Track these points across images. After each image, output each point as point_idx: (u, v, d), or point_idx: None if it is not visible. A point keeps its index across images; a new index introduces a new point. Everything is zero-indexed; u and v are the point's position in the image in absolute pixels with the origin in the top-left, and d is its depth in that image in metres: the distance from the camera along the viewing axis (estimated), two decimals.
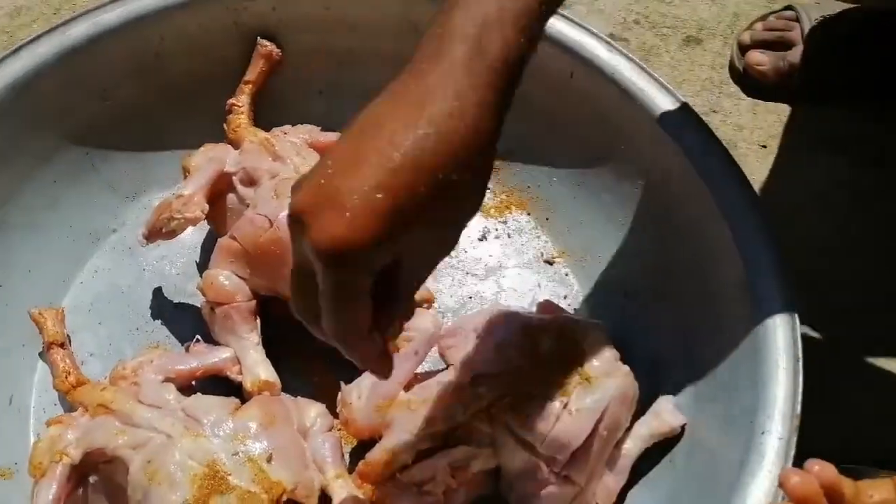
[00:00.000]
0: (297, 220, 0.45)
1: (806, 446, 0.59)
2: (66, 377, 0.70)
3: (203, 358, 0.70)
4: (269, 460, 0.61)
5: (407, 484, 0.64)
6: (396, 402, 0.66)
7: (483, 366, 0.65)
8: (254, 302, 0.73)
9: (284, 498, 0.60)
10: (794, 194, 0.94)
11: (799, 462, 0.58)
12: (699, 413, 0.69)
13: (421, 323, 0.70)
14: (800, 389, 0.62)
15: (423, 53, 0.47)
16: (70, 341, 0.75)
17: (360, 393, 0.67)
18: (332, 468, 0.64)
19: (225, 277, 0.72)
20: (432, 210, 0.45)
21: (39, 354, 0.76)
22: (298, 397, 0.70)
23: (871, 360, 0.85)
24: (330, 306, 0.46)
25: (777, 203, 0.93)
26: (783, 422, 0.61)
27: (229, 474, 0.59)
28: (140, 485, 0.60)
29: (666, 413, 0.69)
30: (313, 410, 0.68)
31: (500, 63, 0.46)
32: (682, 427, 0.68)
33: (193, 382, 0.71)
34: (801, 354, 0.63)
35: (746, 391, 0.64)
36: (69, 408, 0.71)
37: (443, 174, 0.44)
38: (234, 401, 0.66)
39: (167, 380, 0.68)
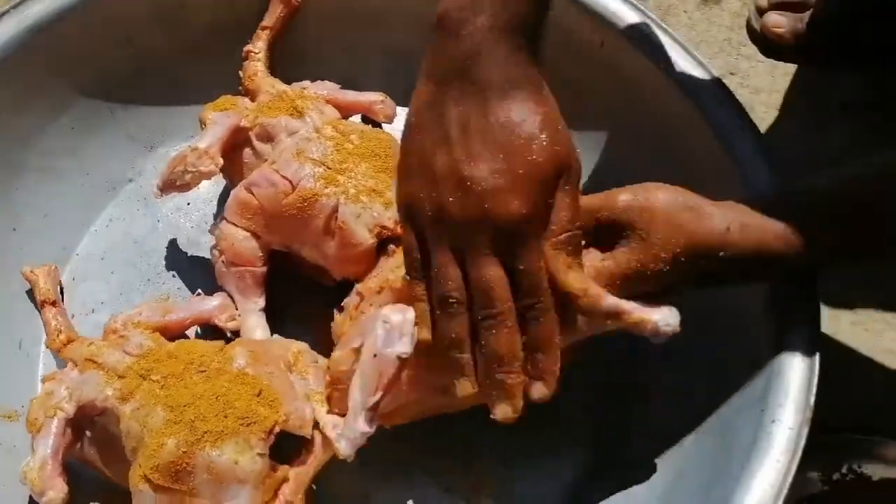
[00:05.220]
0: None
1: (818, 416, 0.58)
2: (58, 335, 0.71)
3: (192, 307, 0.71)
4: (258, 394, 0.60)
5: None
6: None
7: None
8: (266, 268, 0.73)
9: (277, 429, 0.60)
10: (809, 159, 0.93)
11: (807, 456, 0.58)
12: (709, 397, 0.67)
13: None
14: (815, 380, 0.60)
15: None
16: (63, 297, 0.76)
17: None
18: (317, 395, 0.64)
19: (244, 238, 0.72)
20: None
21: (32, 300, 0.76)
22: (280, 337, 0.70)
23: (885, 330, 0.84)
24: None
25: (793, 168, 0.91)
26: (795, 412, 0.59)
27: (219, 412, 0.59)
28: (133, 432, 0.61)
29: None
30: (295, 346, 0.67)
31: None
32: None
33: (190, 334, 0.72)
34: (819, 343, 0.61)
35: (760, 377, 0.62)
36: None
37: None
38: (219, 343, 0.66)
39: (158, 330, 0.68)
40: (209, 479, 0.58)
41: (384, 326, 0.57)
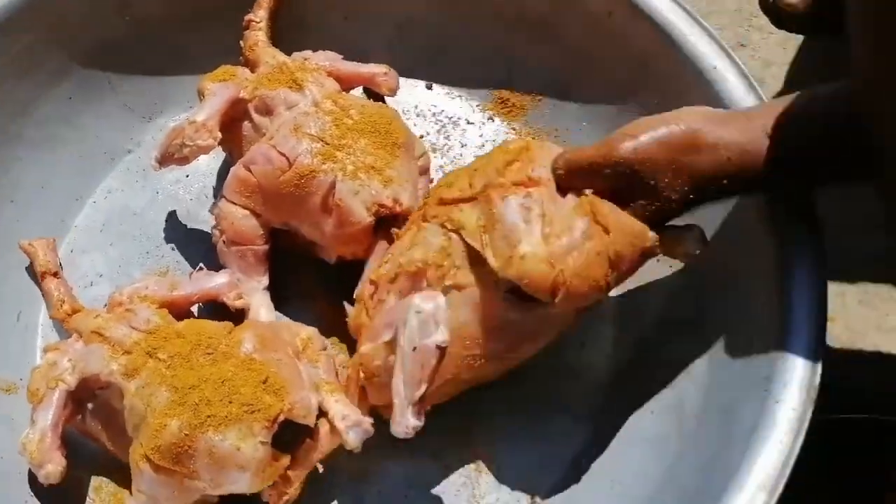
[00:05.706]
0: None
1: (837, 401, 0.57)
2: (61, 306, 0.70)
3: (199, 283, 0.69)
4: (264, 381, 0.60)
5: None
6: None
7: None
8: (268, 246, 0.72)
9: (281, 418, 0.60)
10: None
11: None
12: (713, 375, 0.66)
13: None
14: (820, 360, 0.59)
15: None
16: (62, 268, 0.75)
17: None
18: (326, 385, 0.64)
19: (244, 217, 0.71)
20: None
21: (30, 273, 0.76)
22: (289, 321, 0.69)
23: (894, 310, 0.83)
24: None
25: None
26: (799, 392, 0.58)
27: (224, 397, 0.59)
28: (136, 410, 0.60)
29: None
30: (304, 332, 0.67)
31: None
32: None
33: (194, 310, 0.71)
34: (826, 323, 0.60)
35: (765, 356, 0.61)
36: None
37: None
38: (227, 325, 0.65)
39: (164, 305, 0.67)
40: (210, 463, 0.58)
41: (418, 317, 0.58)
